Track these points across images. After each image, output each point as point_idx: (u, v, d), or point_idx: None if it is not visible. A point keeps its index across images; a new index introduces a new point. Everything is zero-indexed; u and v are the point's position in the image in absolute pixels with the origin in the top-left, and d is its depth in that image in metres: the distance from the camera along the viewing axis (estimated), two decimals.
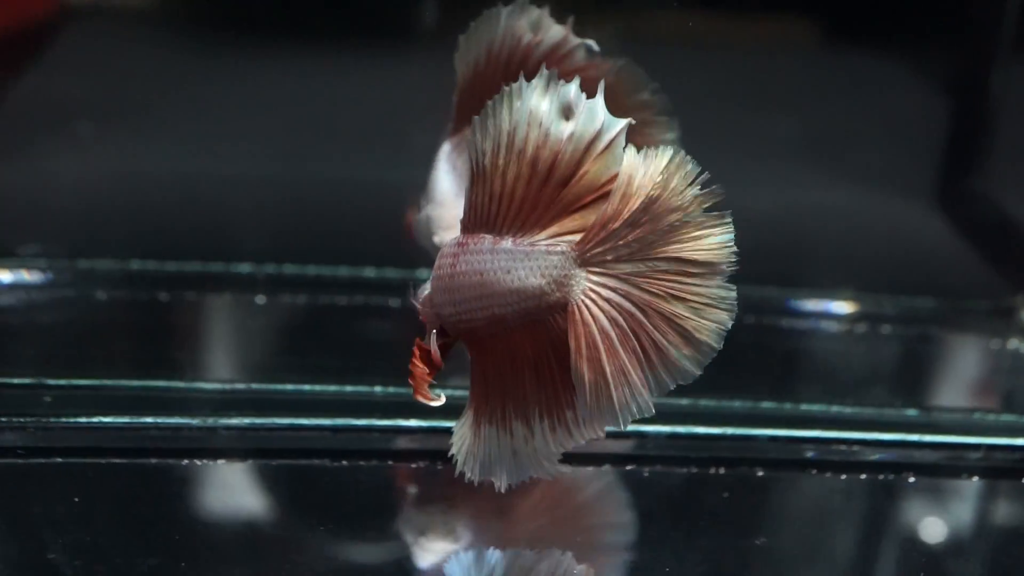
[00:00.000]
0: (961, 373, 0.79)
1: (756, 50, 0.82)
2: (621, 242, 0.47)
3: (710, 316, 0.48)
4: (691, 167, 0.47)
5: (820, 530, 0.61)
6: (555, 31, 0.57)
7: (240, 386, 0.65)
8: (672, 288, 0.48)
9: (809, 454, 0.65)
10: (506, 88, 0.48)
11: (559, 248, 0.48)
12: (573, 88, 0.47)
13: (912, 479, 0.64)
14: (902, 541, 0.61)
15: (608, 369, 0.48)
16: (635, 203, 0.47)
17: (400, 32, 0.78)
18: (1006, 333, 0.81)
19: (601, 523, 0.60)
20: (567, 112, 0.47)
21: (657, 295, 0.48)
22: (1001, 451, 0.66)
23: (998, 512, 0.65)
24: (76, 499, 0.57)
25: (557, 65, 0.56)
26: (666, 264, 0.47)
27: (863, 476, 0.64)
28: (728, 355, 0.75)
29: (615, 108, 0.48)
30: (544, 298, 0.49)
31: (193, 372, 0.66)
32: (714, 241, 0.47)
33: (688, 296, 0.48)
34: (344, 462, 0.61)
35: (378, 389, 0.65)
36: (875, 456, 0.65)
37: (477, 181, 0.49)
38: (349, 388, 0.65)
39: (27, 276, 0.76)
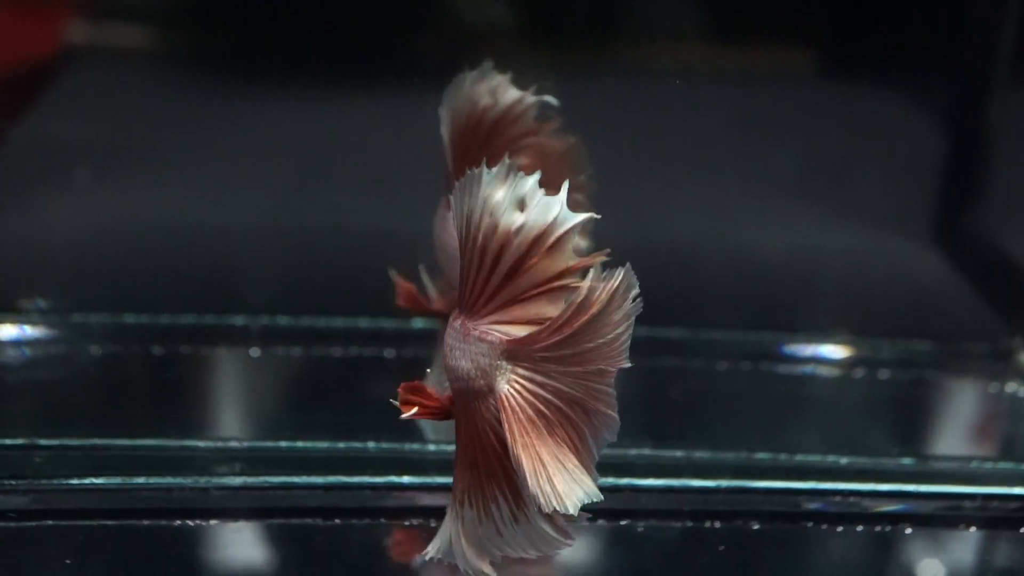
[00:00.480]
0: (958, 418, 0.78)
1: (746, 82, 0.81)
2: (558, 348, 0.48)
3: (609, 410, 0.49)
4: (634, 286, 0.48)
5: None
6: (510, 95, 0.58)
7: (233, 444, 0.65)
8: (590, 388, 0.49)
9: (805, 506, 0.65)
10: (469, 172, 0.48)
11: (489, 337, 0.49)
12: (531, 181, 0.48)
13: (909, 530, 0.64)
14: None
15: (544, 456, 0.49)
16: (585, 318, 0.48)
17: (404, 79, 0.78)
18: (1004, 376, 0.80)
19: None
20: (522, 203, 0.47)
21: (580, 394, 0.49)
22: (998, 500, 0.66)
23: (996, 562, 0.64)
24: (68, 562, 0.57)
25: (510, 127, 0.58)
26: (590, 369, 0.49)
27: (860, 528, 0.64)
28: (723, 404, 0.76)
29: (557, 182, 0.48)
30: (470, 382, 0.50)
31: (185, 430, 0.66)
32: (622, 346, 0.48)
33: (599, 395, 0.49)
34: (337, 520, 0.61)
35: (371, 445, 0.65)
36: (872, 507, 0.65)
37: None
38: (342, 444, 0.65)
39: (22, 331, 0.76)
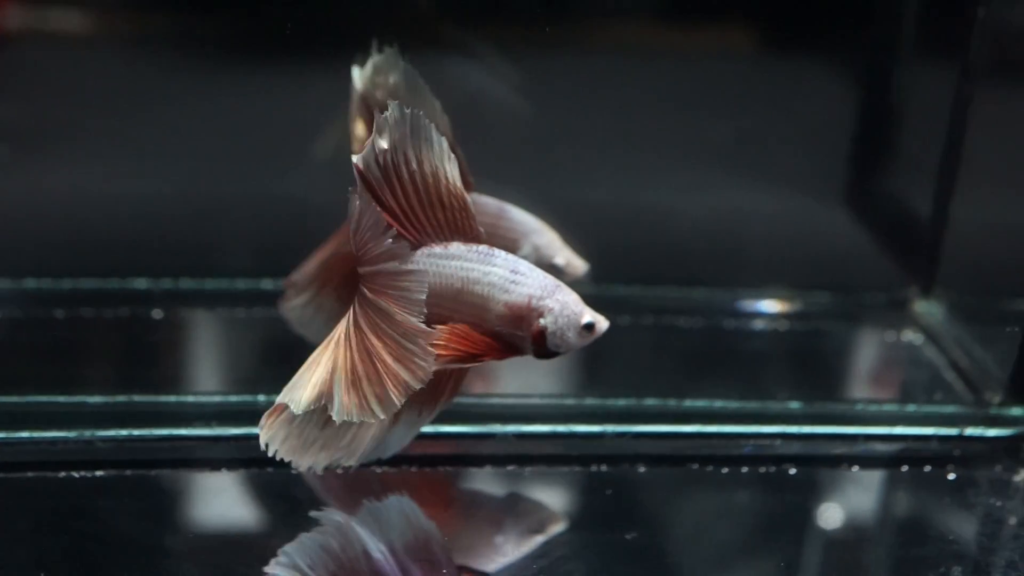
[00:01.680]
0: (854, 365, 0.80)
1: (671, 58, 0.82)
2: (356, 261, 0.52)
3: (402, 371, 0.50)
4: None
5: (694, 523, 0.62)
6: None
7: (121, 399, 0.65)
8: (379, 327, 0.51)
9: (691, 450, 0.66)
10: None
11: None
12: None
13: (793, 471, 0.65)
14: (779, 531, 0.61)
15: (323, 360, 0.51)
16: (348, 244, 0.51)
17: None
18: (900, 325, 0.82)
19: (479, 524, 0.60)
20: None
21: (383, 325, 0.51)
22: (880, 440, 0.67)
23: (878, 499, 0.66)
24: None
25: None
26: (392, 312, 0.50)
27: (744, 469, 0.65)
28: (622, 355, 0.77)
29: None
30: None
31: (75, 387, 0.66)
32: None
33: (389, 341, 0.50)
34: (223, 470, 0.62)
35: (261, 398, 0.66)
36: (758, 449, 0.66)
37: None
38: (233, 398, 0.66)
39: None
